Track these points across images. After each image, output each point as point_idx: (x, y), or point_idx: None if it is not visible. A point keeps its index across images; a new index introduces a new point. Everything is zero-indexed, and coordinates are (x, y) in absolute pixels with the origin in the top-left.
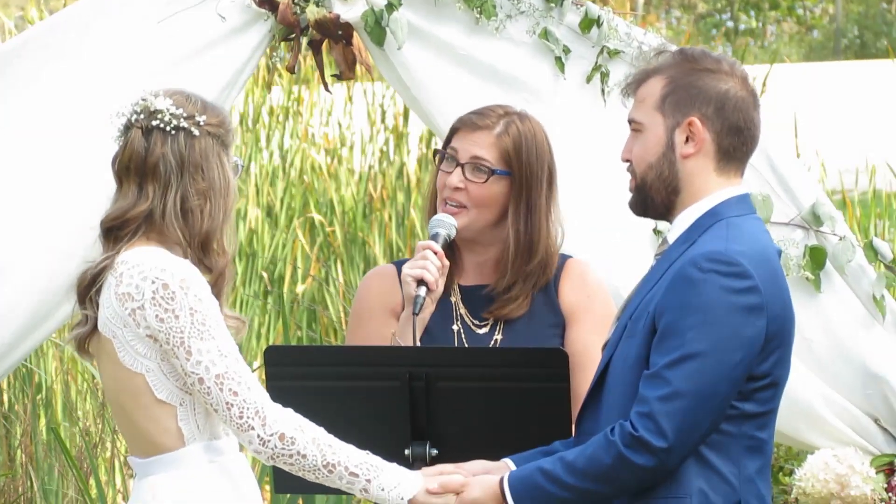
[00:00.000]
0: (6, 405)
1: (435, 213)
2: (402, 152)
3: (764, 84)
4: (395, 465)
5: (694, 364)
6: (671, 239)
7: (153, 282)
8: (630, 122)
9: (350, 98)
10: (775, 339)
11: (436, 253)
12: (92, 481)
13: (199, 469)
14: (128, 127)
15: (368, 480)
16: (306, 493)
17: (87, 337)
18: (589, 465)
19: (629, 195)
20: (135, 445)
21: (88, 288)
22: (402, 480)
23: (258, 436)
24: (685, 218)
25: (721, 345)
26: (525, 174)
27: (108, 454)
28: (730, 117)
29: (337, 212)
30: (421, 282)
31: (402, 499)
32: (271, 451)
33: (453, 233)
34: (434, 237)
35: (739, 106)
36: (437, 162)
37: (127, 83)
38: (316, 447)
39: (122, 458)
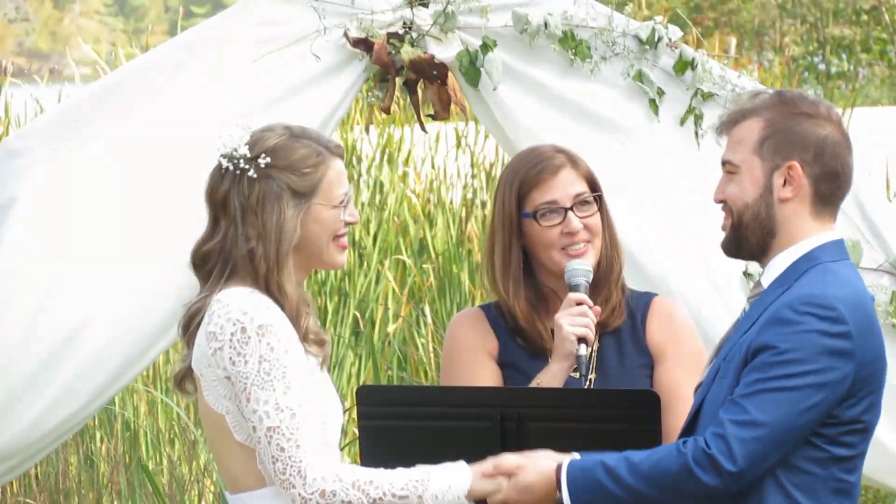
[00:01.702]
0: (95, 442)
1: (526, 272)
2: (492, 191)
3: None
4: (441, 466)
5: (772, 397)
6: (766, 282)
7: (234, 324)
8: (725, 162)
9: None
10: (866, 386)
11: (591, 307)
12: None
13: None
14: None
15: (420, 496)
16: None
17: (184, 374)
18: (654, 470)
19: (721, 236)
20: (225, 480)
21: (188, 325)
22: (453, 480)
23: (300, 494)
24: (781, 261)
25: (807, 375)
26: (599, 186)
27: (196, 493)
28: (828, 163)
29: (430, 252)
30: (582, 339)
31: (459, 497)
32: None
33: (591, 277)
34: (576, 287)
35: (837, 151)
36: (534, 220)
37: (219, 123)
38: (358, 490)
39: (208, 498)
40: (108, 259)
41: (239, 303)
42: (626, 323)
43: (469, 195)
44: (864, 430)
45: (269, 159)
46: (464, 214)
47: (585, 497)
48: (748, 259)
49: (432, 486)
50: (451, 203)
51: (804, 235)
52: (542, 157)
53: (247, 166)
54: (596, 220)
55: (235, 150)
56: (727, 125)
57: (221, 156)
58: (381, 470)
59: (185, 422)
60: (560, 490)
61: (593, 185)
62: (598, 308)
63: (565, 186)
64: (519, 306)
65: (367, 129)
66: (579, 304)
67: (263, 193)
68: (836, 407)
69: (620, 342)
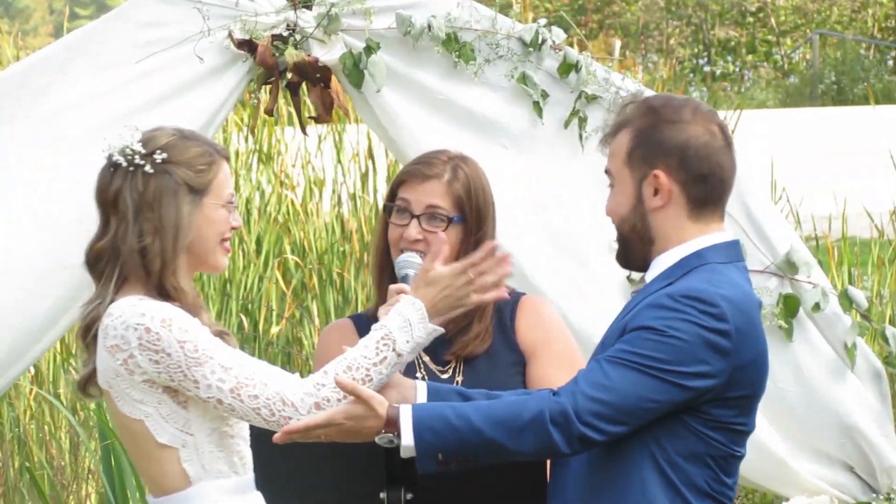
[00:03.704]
0: None
1: (387, 264)
2: (368, 190)
3: (733, 130)
4: (391, 312)
5: (633, 375)
6: (649, 278)
7: (135, 329)
8: (607, 173)
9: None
10: (739, 388)
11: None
12: None
13: None
14: (106, 160)
15: (394, 350)
16: None
17: (87, 379)
18: (506, 411)
19: (603, 241)
20: (148, 485)
21: (86, 333)
22: (406, 313)
23: (300, 420)
24: (665, 259)
25: (672, 364)
26: (476, 217)
27: (83, 494)
28: (694, 166)
29: (312, 251)
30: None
31: (424, 320)
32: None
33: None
34: (404, 279)
35: (702, 153)
36: (386, 215)
37: (104, 123)
38: (336, 380)
39: (93, 499)
40: None
41: (131, 309)
42: (495, 322)
43: (343, 195)
44: (737, 433)
45: (165, 155)
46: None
47: (427, 436)
48: (638, 270)
49: (396, 335)
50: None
51: (686, 238)
52: (426, 159)
53: (142, 162)
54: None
55: (127, 147)
56: (608, 138)
57: (112, 153)
58: (346, 353)
59: (70, 422)
60: (397, 424)
61: (460, 207)
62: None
63: (424, 194)
64: (379, 297)
65: (252, 131)
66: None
67: (160, 188)
68: (705, 403)
69: (493, 363)
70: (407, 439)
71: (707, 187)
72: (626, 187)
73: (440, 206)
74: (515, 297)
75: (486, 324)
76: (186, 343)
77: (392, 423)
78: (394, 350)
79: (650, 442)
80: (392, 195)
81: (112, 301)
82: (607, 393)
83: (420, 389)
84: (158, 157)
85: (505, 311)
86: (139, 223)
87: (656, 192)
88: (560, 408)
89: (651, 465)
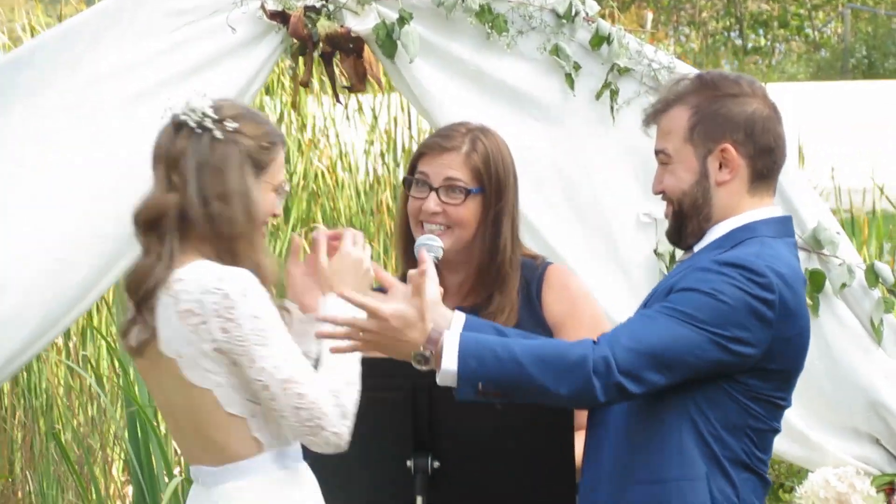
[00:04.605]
0: (6, 410)
1: (409, 238)
2: (397, 159)
3: None
4: None
5: (670, 323)
6: (698, 248)
7: (213, 293)
8: (657, 153)
9: (360, 109)
10: (779, 362)
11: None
12: (91, 487)
13: (271, 475)
14: (170, 120)
15: None
16: None
17: (146, 343)
18: (552, 351)
19: (633, 212)
20: (205, 455)
21: (146, 299)
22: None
23: (331, 430)
24: (716, 231)
25: (715, 325)
26: (495, 189)
27: (109, 460)
28: (760, 139)
29: (342, 220)
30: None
31: None
32: (347, 433)
33: (440, 254)
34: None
35: (767, 126)
36: (406, 188)
37: (136, 93)
38: (351, 388)
39: (119, 465)
40: (23, 228)
41: (209, 274)
42: (522, 297)
43: (375, 167)
44: (777, 406)
45: (237, 125)
46: (370, 185)
47: (472, 363)
48: (690, 246)
49: None
50: (357, 172)
51: (741, 210)
52: (445, 132)
53: (212, 127)
54: (459, 212)
55: (195, 110)
56: (654, 116)
57: (178, 114)
58: (337, 363)
59: (96, 390)
60: (439, 344)
61: (479, 179)
62: (441, 289)
63: (443, 166)
64: (404, 268)
65: (294, 106)
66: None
67: (226, 155)
68: (745, 373)
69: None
70: (450, 363)
71: (770, 160)
72: (688, 164)
73: (458, 178)
74: (543, 267)
75: (511, 298)
76: (258, 319)
77: (433, 342)
78: None
79: (691, 407)
80: (412, 168)
81: (174, 263)
82: (647, 343)
83: (457, 319)
84: (230, 125)
85: (532, 285)
86: (202, 187)
87: (721, 166)
88: (602, 355)
89: (691, 431)
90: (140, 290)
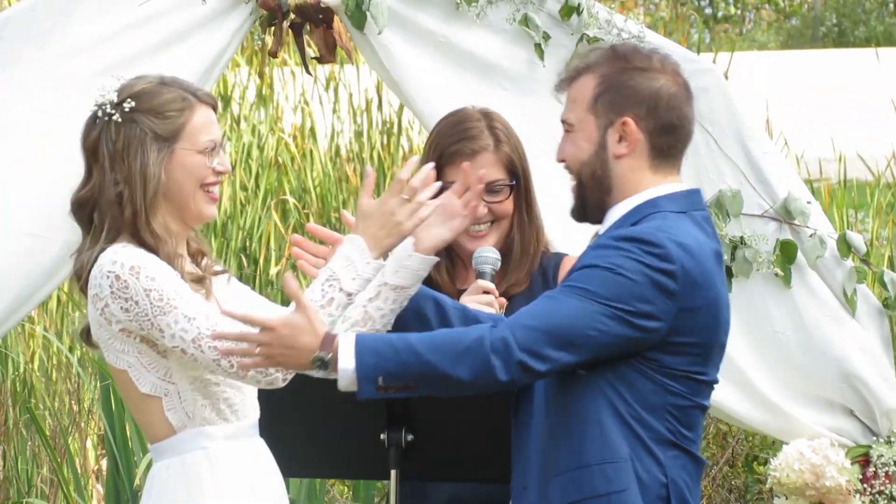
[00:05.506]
0: None
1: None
2: (373, 132)
3: (726, 73)
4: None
5: (583, 300)
6: (603, 229)
7: (107, 276)
8: (563, 121)
9: (330, 80)
10: (689, 335)
11: (496, 297)
12: (65, 462)
13: (189, 455)
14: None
15: (341, 289)
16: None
17: (87, 328)
18: (447, 338)
19: None
20: (143, 431)
21: (78, 281)
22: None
23: (273, 373)
24: (620, 208)
25: (617, 300)
26: (523, 172)
27: (83, 434)
28: (663, 116)
29: (311, 193)
30: None
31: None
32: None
33: (498, 266)
34: (482, 275)
35: (672, 104)
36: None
37: (107, 68)
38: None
39: (94, 439)
40: None
41: (105, 256)
42: (538, 282)
43: (340, 137)
44: (698, 382)
45: (133, 103)
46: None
47: (369, 357)
48: (593, 222)
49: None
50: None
51: (643, 187)
52: (466, 133)
53: (113, 111)
54: (503, 207)
55: (104, 97)
56: (564, 83)
57: (94, 104)
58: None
59: (71, 363)
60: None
61: (512, 170)
62: (503, 300)
63: (480, 170)
64: (440, 277)
65: (260, 76)
66: (486, 292)
67: (128, 137)
68: (653, 349)
69: (532, 300)
70: (347, 361)
71: (672, 138)
72: (588, 133)
73: (498, 178)
74: (558, 256)
75: (525, 271)
76: (152, 291)
77: (328, 344)
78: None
79: (606, 389)
80: (439, 173)
81: (102, 251)
82: (547, 319)
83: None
84: (127, 105)
85: (549, 271)
86: (114, 172)
87: (620, 139)
88: (500, 335)
89: (610, 413)
90: (80, 280)
